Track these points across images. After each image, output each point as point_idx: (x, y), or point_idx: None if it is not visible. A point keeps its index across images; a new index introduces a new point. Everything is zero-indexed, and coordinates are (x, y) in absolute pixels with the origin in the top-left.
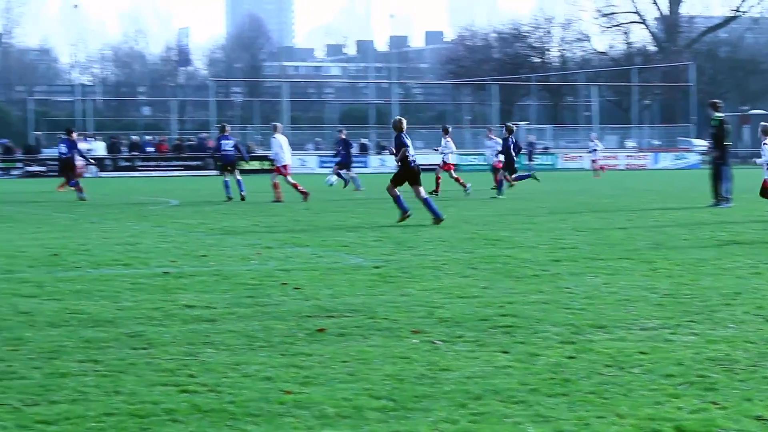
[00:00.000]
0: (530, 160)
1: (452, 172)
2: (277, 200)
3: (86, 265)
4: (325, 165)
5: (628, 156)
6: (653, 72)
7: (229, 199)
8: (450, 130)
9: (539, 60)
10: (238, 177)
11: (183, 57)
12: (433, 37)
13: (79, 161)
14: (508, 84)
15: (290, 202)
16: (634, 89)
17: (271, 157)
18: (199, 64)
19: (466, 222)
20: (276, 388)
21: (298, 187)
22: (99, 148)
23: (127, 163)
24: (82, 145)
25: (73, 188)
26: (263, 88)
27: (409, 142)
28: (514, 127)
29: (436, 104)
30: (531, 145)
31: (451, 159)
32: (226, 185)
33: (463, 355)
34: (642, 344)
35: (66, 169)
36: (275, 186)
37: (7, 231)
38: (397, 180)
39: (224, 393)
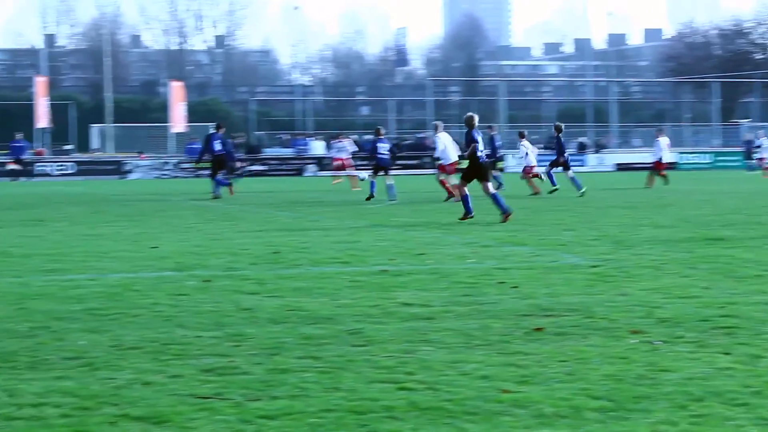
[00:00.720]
0: (748, 158)
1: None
2: (450, 196)
3: (306, 263)
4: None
5: None
6: None
7: (368, 198)
8: (525, 134)
9: (762, 57)
10: (389, 182)
11: (401, 57)
12: (651, 34)
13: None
14: (730, 81)
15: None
16: None
17: (436, 156)
18: (416, 63)
19: (687, 221)
20: (493, 386)
21: (448, 187)
22: (318, 147)
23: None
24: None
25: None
26: (480, 87)
27: (479, 138)
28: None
29: (654, 102)
30: (749, 143)
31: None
32: (372, 185)
33: (683, 356)
34: None
35: (220, 166)
36: (442, 183)
37: (230, 229)
38: (466, 177)
39: (442, 391)
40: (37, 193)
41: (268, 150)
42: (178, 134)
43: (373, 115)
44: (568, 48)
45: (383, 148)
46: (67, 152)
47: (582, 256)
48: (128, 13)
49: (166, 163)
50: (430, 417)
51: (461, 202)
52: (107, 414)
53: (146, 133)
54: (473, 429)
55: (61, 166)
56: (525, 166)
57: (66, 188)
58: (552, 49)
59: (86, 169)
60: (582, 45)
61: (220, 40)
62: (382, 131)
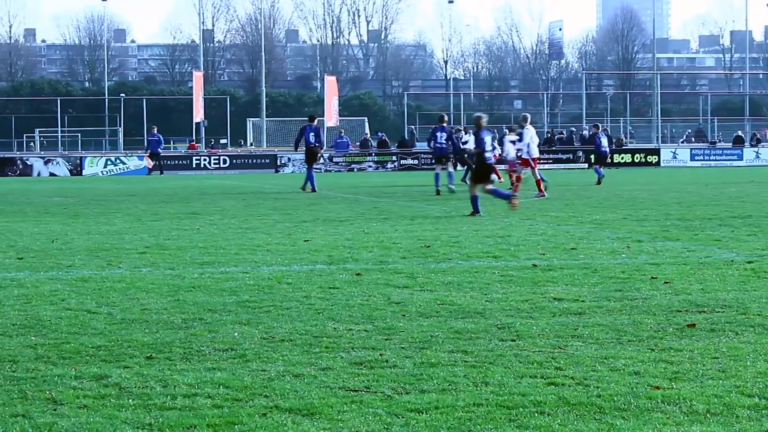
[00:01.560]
0: None
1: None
2: (540, 195)
3: (457, 257)
4: (696, 158)
5: None
6: None
7: (438, 192)
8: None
9: None
10: (450, 169)
11: (555, 50)
12: None
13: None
14: None
15: (657, 196)
16: None
17: (520, 148)
18: (570, 57)
19: None
20: (644, 383)
21: (540, 185)
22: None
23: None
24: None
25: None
26: (635, 80)
27: (488, 139)
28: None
29: None
30: None
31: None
32: (436, 177)
33: None
34: None
35: (313, 158)
36: (518, 180)
37: (381, 223)
38: (476, 178)
39: (591, 386)
40: (192, 186)
41: (420, 144)
42: (330, 128)
43: (527, 108)
44: (726, 40)
45: (442, 137)
46: (223, 146)
47: (737, 251)
48: (284, 8)
49: (321, 156)
50: (579, 413)
51: (471, 202)
52: (258, 405)
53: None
54: (623, 425)
55: (216, 159)
56: (512, 159)
57: (221, 181)
58: (710, 41)
59: (240, 162)
60: (740, 37)
61: (374, 34)
62: (445, 118)
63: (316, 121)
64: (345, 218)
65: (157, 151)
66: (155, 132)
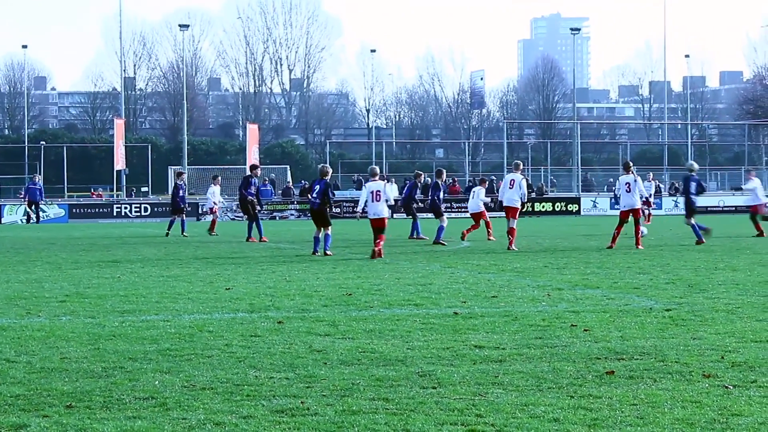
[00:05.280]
0: None
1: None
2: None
3: (379, 305)
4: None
5: None
6: None
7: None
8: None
9: None
10: (443, 224)
11: (477, 99)
12: (730, 77)
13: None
14: None
15: (577, 244)
16: None
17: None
18: (492, 106)
19: (762, 265)
20: (563, 429)
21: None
22: (392, 191)
23: (420, 205)
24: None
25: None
26: (556, 129)
27: (318, 188)
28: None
29: (732, 145)
30: None
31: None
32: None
33: (756, 401)
34: None
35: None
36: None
37: (303, 271)
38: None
39: None
40: (112, 235)
41: (342, 192)
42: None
43: (448, 157)
44: (645, 91)
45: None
46: (144, 194)
47: (656, 299)
48: (207, 57)
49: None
50: None
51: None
52: None
53: (221, 174)
54: None
55: (137, 207)
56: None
57: (142, 230)
58: (629, 91)
59: (162, 210)
60: (659, 87)
61: (296, 82)
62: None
63: (256, 171)
64: (267, 267)
65: (36, 199)
66: (36, 180)
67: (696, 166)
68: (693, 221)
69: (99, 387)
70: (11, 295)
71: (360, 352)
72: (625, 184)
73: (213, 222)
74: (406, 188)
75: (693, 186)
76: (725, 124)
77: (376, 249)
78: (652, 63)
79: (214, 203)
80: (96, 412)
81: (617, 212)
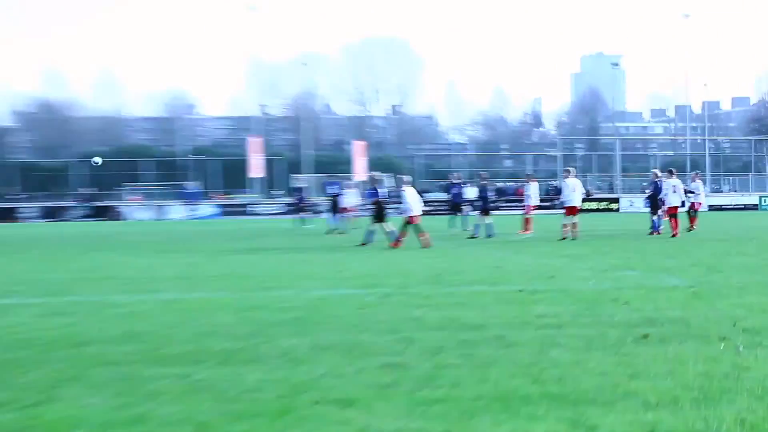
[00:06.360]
0: None
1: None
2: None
3: (461, 283)
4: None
5: None
6: None
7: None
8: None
9: None
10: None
11: (536, 120)
12: (739, 101)
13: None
14: None
15: (618, 234)
16: None
17: (562, 199)
18: (548, 125)
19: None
20: (609, 381)
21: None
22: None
23: (493, 205)
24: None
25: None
26: (600, 144)
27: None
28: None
29: (741, 156)
30: None
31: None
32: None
33: (762, 359)
34: None
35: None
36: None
37: (402, 256)
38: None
39: (568, 384)
40: (252, 228)
41: (431, 194)
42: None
43: (514, 166)
44: (672, 112)
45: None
46: (277, 196)
47: (681, 278)
48: (322, 87)
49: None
50: (558, 404)
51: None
52: (309, 397)
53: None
54: (593, 412)
55: (271, 206)
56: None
57: (274, 225)
58: (658, 113)
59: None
60: (682, 110)
61: (394, 107)
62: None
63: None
64: (372, 253)
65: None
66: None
67: (659, 173)
68: (655, 218)
69: (245, 346)
70: (175, 276)
71: (448, 319)
72: (672, 186)
73: (348, 220)
74: (481, 191)
75: (657, 188)
76: (736, 139)
77: (423, 238)
78: (676, 90)
79: (349, 207)
80: (243, 365)
81: (648, 210)
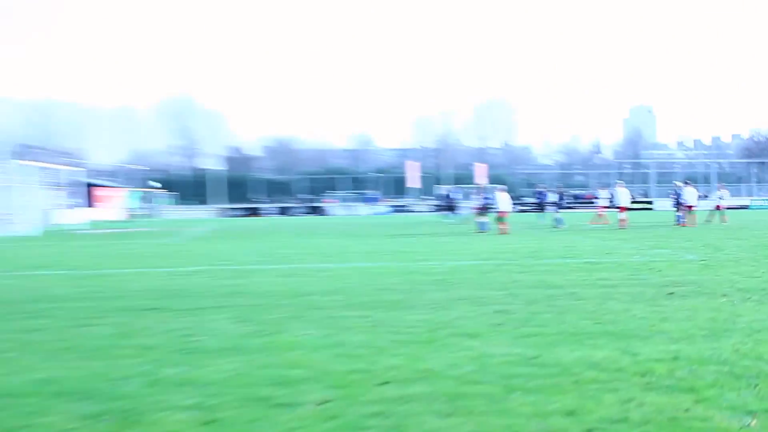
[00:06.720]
0: None
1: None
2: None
3: (547, 257)
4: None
5: None
6: None
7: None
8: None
9: None
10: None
11: (596, 150)
12: (736, 136)
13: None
14: None
15: (640, 228)
16: None
17: (614, 202)
18: (606, 153)
19: (756, 237)
20: (647, 322)
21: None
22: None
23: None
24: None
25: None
26: (641, 165)
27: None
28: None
29: (737, 173)
30: None
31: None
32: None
33: (750, 309)
34: None
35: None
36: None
37: (508, 239)
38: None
39: (618, 324)
40: (408, 221)
41: (525, 198)
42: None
43: (583, 180)
44: (690, 143)
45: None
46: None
47: (695, 254)
48: (457, 128)
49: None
50: (611, 338)
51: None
52: (445, 332)
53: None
54: (636, 344)
55: (423, 207)
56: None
57: (423, 219)
58: (681, 145)
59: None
60: (697, 142)
61: (505, 142)
62: (540, 185)
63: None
64: (481, 238)
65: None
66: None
67: (680, 184)
68: (679, 213)
69: (406, 298)
70: (362, 251)
71: (539, 281)
72: (688, 192)
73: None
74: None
75: (678, 194)
76: (733, 161)
77: (502, 227)
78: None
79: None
80: (405, 310)
81: (674, 209)
